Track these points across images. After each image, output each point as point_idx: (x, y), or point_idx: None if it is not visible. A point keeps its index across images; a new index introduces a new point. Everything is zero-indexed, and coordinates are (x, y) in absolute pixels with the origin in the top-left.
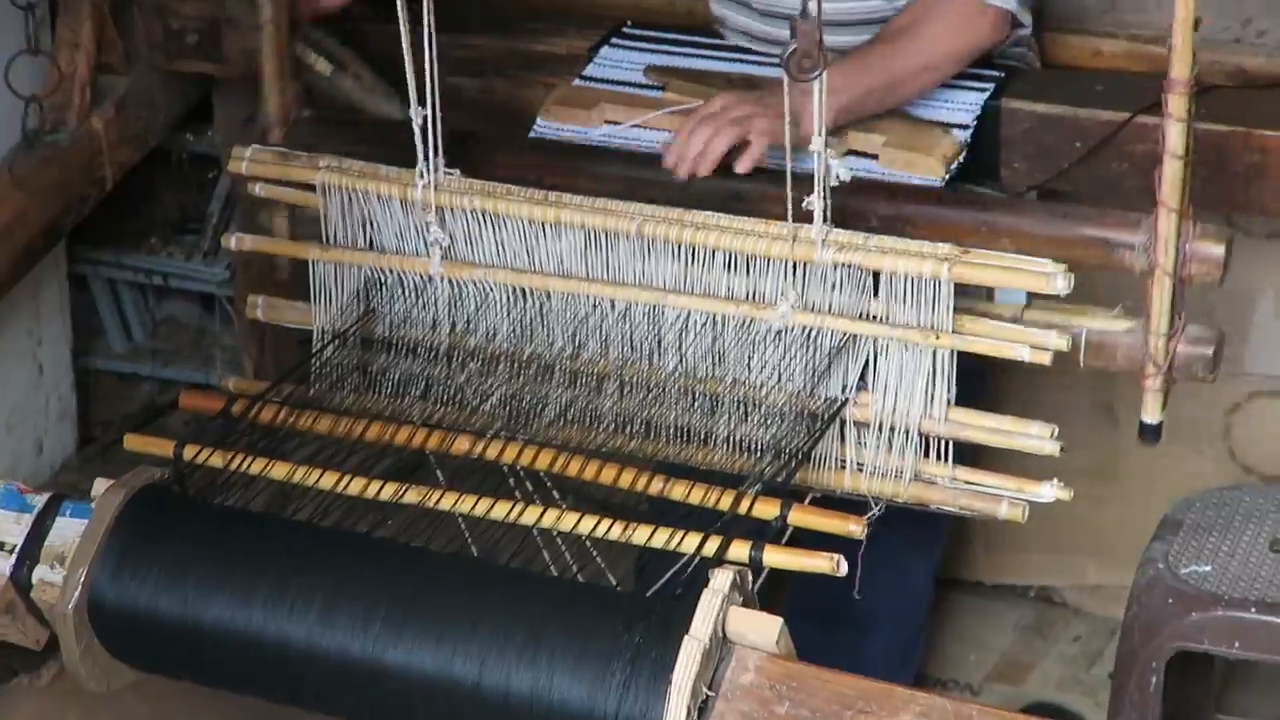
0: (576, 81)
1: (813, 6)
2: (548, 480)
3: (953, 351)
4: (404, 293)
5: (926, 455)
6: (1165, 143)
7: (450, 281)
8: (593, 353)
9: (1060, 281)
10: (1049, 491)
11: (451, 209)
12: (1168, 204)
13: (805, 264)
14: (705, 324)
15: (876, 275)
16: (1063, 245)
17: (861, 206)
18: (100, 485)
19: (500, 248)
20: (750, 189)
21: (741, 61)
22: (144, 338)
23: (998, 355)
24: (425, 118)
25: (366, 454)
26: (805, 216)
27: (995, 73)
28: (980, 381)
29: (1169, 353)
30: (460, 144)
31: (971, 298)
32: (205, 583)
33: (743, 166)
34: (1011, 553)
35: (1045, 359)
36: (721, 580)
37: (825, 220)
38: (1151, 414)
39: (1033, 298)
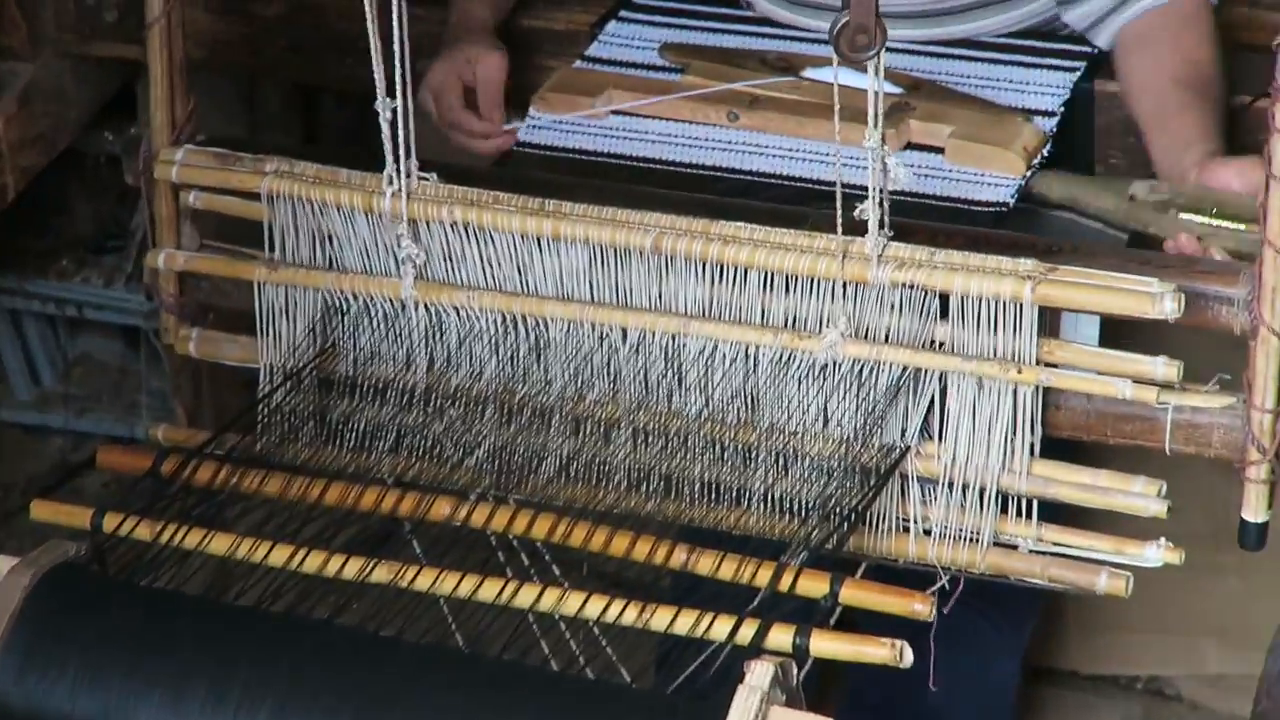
0: (578, 64)
1: None
2: (546, 552)
3: (1037, 388)
4: (371, 322)
5: (1005, 514)
6: (1269, 162)
7: (426, 308)
8: (600, 394)
9: (1168, 304)
10: (1155, 554)
11: (427, 221)
12: (1274, 244)
13: (857, 284)
14: (736, 358)
15: (944, 298)
16: None
17: (919, 229)
18: (2, 564)
19: (487, 267)
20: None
21: (775, 38)
22: (54, 381)
23: (1092, 393)
24: (395, 110)
25: (326, 521)
26: (858, 228)
27: (1087, 49)
28: None
29: (1278, 435)
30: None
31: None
32: (131, 683)
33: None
34: (1114, 635)
35: (1151, 396)
36: (760, 674)
37: (882, 229)
38: (1255, 511)
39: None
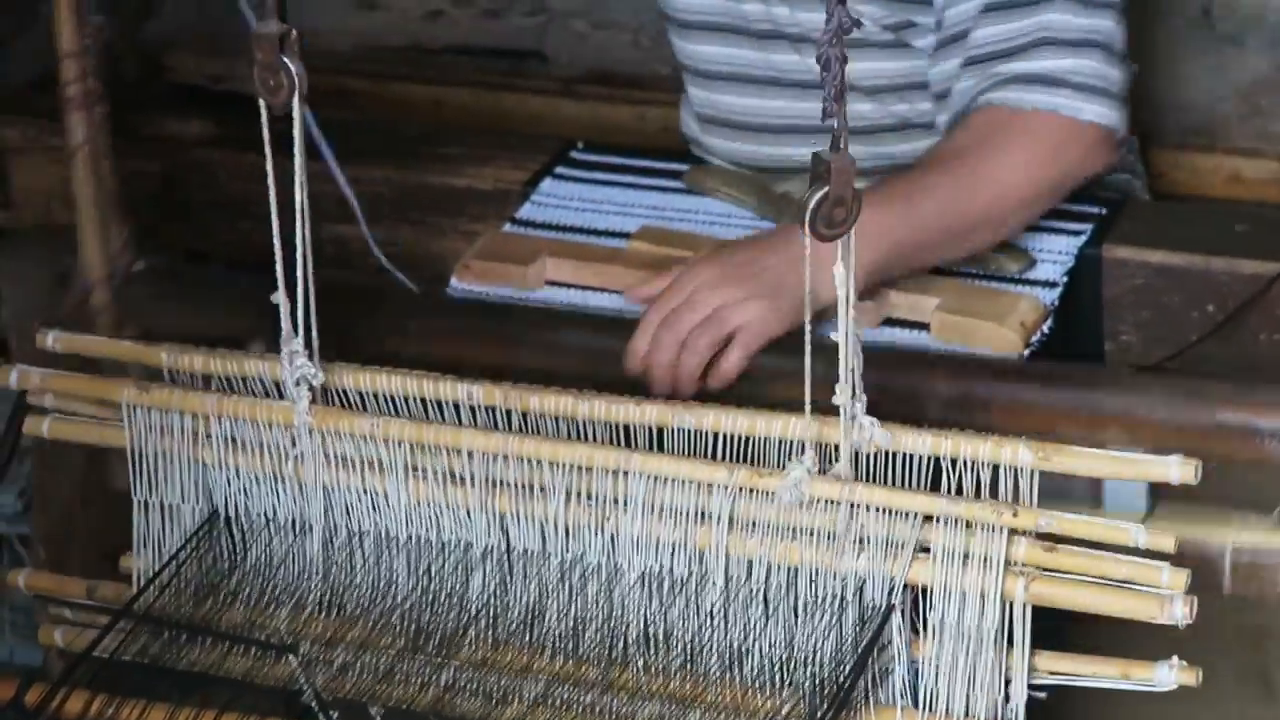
0: (507, 227)
1: (840, 129)
2: None
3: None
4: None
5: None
6: None
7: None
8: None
9: (1178, 609)
10: (1167, 675)
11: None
12: None
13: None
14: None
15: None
16: (1193, 435)
17: (915, 386)
18: None
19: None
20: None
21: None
22: None
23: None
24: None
25: None
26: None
27: (1093, 209)
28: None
29: None
30: (350, 313)
31: (1075, 501)
32: None
33: (718, 380)
34: None
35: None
36: None
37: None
38: None
39: (1156, 501)
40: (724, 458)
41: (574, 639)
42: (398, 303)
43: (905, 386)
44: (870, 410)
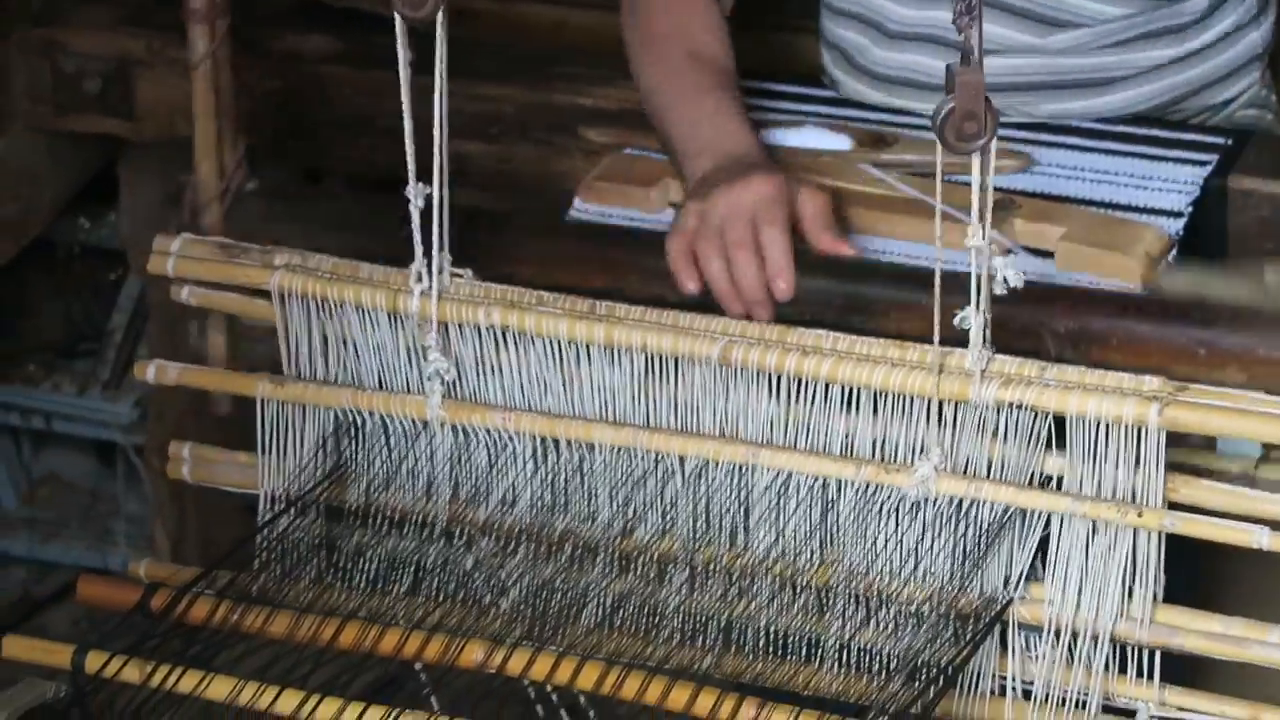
0: (630, 149)
1: (974, 43)
2: (590, 708)
3: (1161, 533)
4: (390, 444)
5: (1123, 672)
6: None
7: (455, 429)
8: (652, 529)
9: None
10: None
11: (459, 325)
12: None
13: (955, 404)
14: (812, 490)
15: (1057, 421)
16: None
17: (1028, 319)
18: None
19: (526, 381)
20: (877, 294)
21: (863, 122)
22: (15, 503)
23: (1223, 540)
24: (427, 197)
25: (341, 666)
26: (957, 337)
27: (1219, 139)
28: (1196, 562)
29: None
30: (471, 233)
31: (1187, 447)
32: None
33: (780, 289)
34: None
35: None
36: None
37: (985, 343)
38: None
39: (1271, 448)
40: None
41: (708, 531)
42: (520, 225)
43: (1021, 319)
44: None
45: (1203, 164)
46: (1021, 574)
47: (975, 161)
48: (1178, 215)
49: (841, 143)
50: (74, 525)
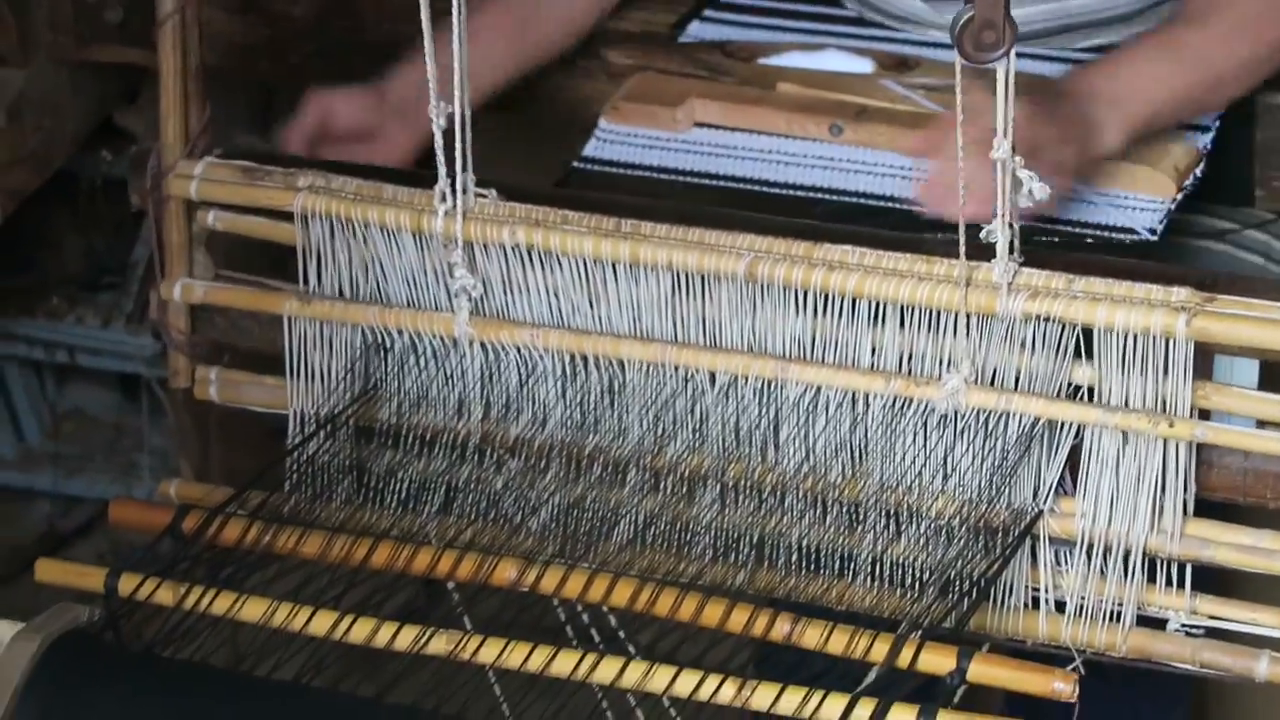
0: (653, 70)
1: None
2: (620, 627)
3: (1191, 442)
4: (418, 362)
5: (1151, 584)
6: None
7: (483, 346)
8: (683, 446)
9: None
10: None
11: (485, 245)
12: None
13: (983, 318)
14: (842, 405)
15: (1085, 334)
16: None
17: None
18: (5, 629)
19: (553, 299)
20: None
21: (883, 39)
22: (39, 437)
23: (1255, 450)
24: (450, 116)
25: (374, 587)
26: (984, 253)
27: None
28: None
29: None
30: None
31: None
32: None
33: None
34: None
35: None
36: None
37: (1012, 254)
38: None
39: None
40: None
41: (738, 448)
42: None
43: None
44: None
45: None
46: (1051, 486)
47: (999, 72)
48: (1205, 130)
49: (863, 66)
50: (98, 459)
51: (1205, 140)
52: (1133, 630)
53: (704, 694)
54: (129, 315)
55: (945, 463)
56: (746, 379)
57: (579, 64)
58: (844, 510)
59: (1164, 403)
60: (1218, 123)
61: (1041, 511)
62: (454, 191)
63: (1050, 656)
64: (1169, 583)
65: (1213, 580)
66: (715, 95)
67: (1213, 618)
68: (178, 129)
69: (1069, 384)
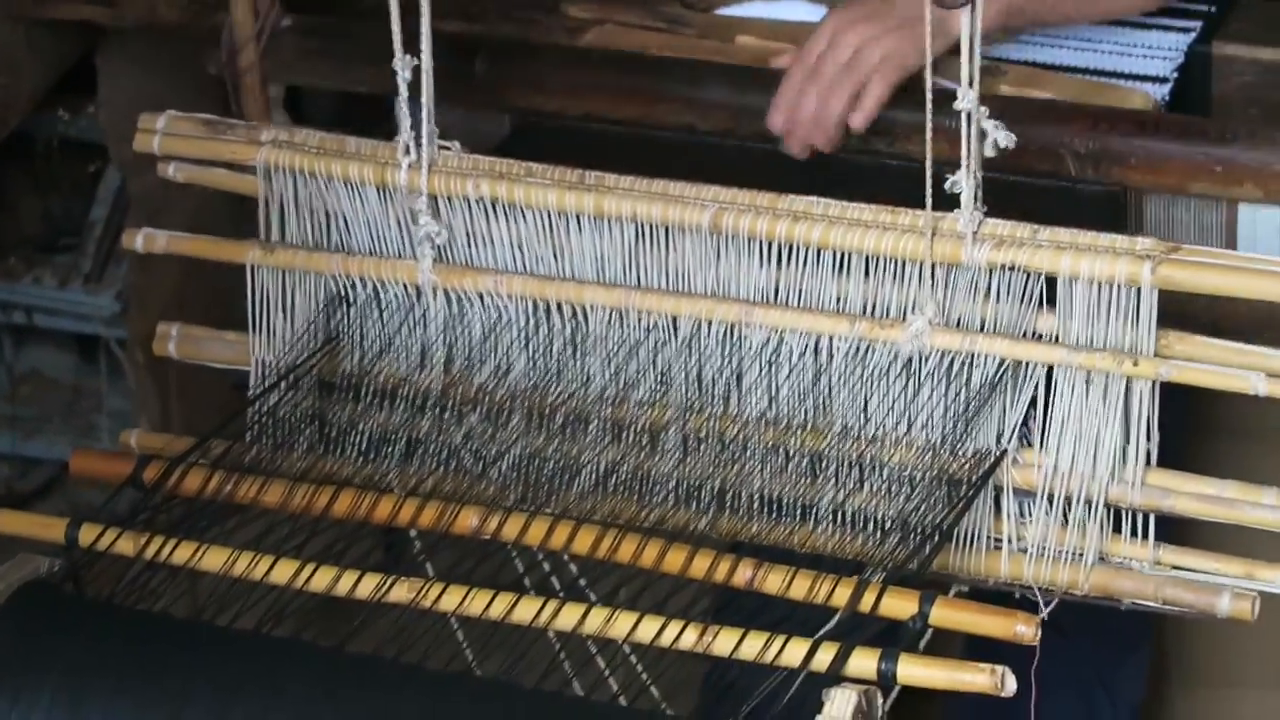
0: (612, 23)
1: None
2: (580, 574)
3: (1154, 385)
4: (381, 313)
5: (1116, 532)
6: None
7: (446, 295)
8: (646, 394)
9: None
10: None
11: (449, 197)
12: None
13: (948, 267)
14: (805, 351)
15: (1048, 284)
16: None
17: (1053, 137)
18: None
19: (517, 249)
20: (866, 159)
21: None
22: None
23: (1219, 388)
24: (416, 69)
25: (335, 535)
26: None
27: (1203, 6)
28: (1183, 433)
29: None
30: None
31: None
32: (116, 715)
33: (856, 122)
34: (1222, 691)
35: None
36: (841, 704)
37: (976, 205)
38: None
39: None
40: None
41: (700, 396)
42: (540, 56)
43: (1042, 139)
44: (1006, 161)
45: (1187, 30)
46: (1015, 429)
47: (963, 20)
48: (1163, 81)
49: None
50: (56, 421)
51: (1163, 92)
52: (1095, 568)
53: (665, 640)
54: (87, 275)
55: (909, 410)
56: (710, 324)
57: (536, 19)
58: (807, 458)
59: (1129, 348)
60: (1175, 75)
61: (1005, 452)
62: (418, 144)
63: (1013, 604)
64: (1133, 533)
65: (1176, 530)
66: (674, 49)
67: (1176, 568)
68: (248, 5)
69: (1034, 333)
